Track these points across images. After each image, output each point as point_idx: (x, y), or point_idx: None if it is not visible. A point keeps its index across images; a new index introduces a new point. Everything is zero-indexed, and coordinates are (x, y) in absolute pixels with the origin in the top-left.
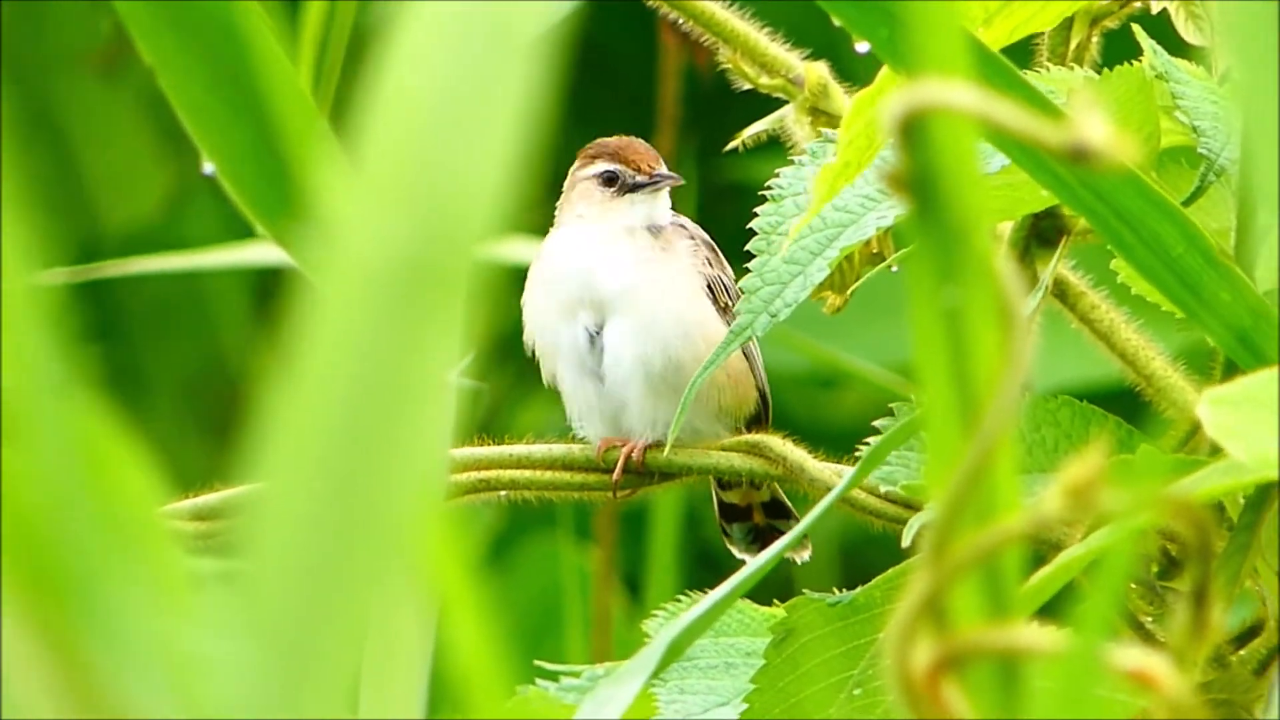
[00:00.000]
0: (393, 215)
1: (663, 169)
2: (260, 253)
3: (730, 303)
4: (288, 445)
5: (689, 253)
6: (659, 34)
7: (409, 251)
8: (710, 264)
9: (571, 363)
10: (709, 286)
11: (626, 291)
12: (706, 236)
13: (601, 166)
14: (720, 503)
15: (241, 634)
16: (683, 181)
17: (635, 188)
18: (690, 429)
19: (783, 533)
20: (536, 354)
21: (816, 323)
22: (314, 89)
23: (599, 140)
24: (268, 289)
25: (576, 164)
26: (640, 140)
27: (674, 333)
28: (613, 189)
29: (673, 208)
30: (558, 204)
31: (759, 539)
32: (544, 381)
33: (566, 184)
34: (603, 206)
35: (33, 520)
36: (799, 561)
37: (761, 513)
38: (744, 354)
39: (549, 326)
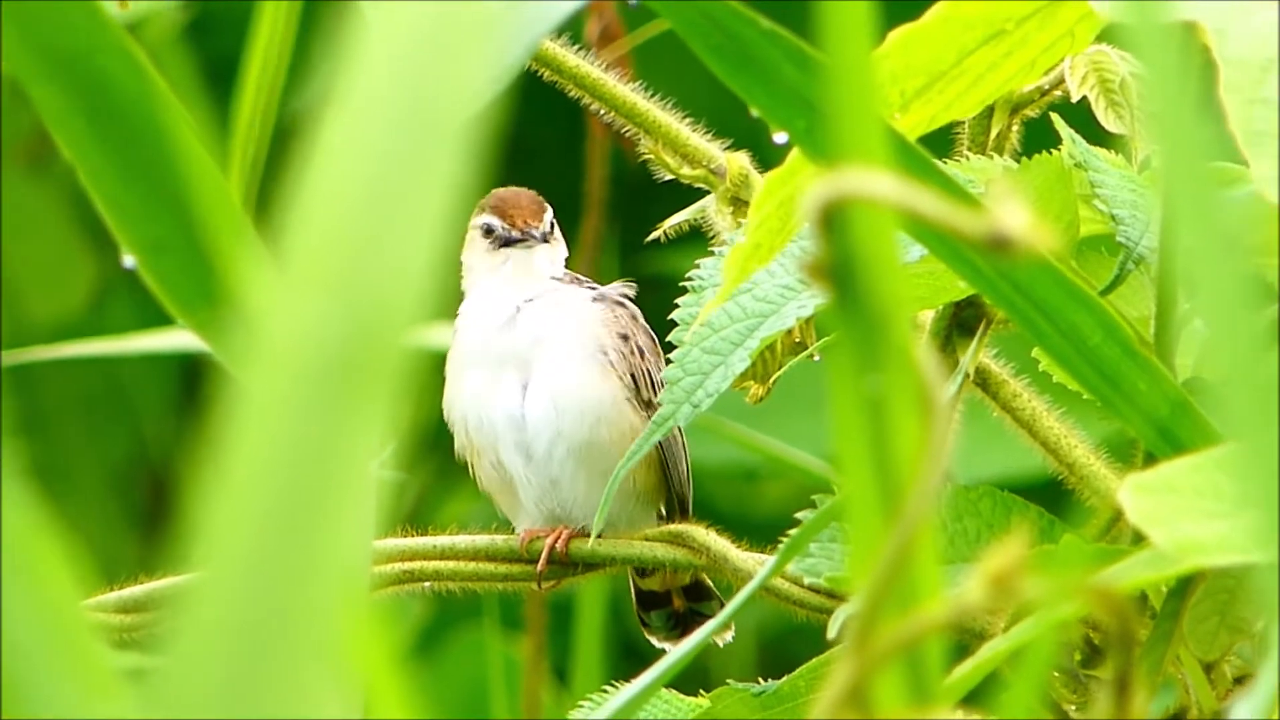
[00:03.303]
0: (317, 306)
1: (539, 225)
2: (184, 339)
3: (653, 397)
4: (211, 539)
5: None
6: (584, 123)
7: (333, 342)
8: (630, 348)
9: (508, 438)
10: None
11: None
12: (643, 326)
13: (484, 218)
14: (638, 591)
15: None
16: (543, 241)
17: (509, 242)
18: (612, 516)
19: (705, 616)
20: (470, 446)
21: (740, 413)
22: (242, 181)
23: (495, 190)
24: (191, 380)
25: (474, 212)
26: (529, 193)
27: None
28: (489, 240)
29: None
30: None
31: (679, 624)
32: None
33: (466, 234)
34: (483, 258)
35: None
36: (721, 644)
37: (682, 597)
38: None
39: (483, 399)
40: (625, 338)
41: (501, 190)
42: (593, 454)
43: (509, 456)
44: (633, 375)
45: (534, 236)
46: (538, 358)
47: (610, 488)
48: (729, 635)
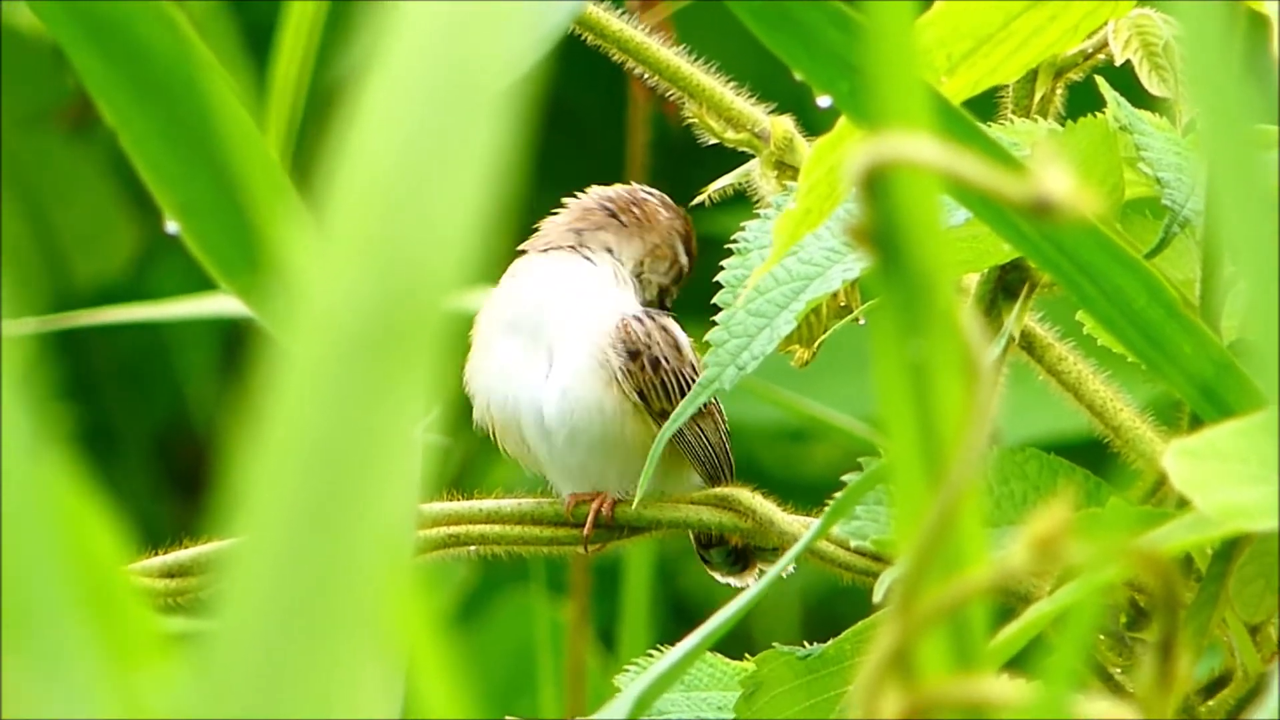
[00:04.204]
0: (359, 270)
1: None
2: (227, 304)
3: (667, 407)
4: (254, 503)
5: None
6: (627, 87)
7: (376, 307)
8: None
9: (530, 419)
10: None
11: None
12: (676, 337)
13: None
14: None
15: (208, 693)
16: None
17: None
18: (657, 485)
19: (764, 550)
20: (489, 419)
21: (785, 376)
22: (280, 146)
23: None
24: (234, 345)
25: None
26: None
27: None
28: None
29: None
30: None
31: (739, 559)
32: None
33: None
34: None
35: None
36: (784, 575)
37: (740, 533)
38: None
39: (511, 373)
40: (635, 355)
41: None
42: (609, 449)
43: (533, 437)
44: (640, 392)
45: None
46: (559, 345)
47: (651, 459)
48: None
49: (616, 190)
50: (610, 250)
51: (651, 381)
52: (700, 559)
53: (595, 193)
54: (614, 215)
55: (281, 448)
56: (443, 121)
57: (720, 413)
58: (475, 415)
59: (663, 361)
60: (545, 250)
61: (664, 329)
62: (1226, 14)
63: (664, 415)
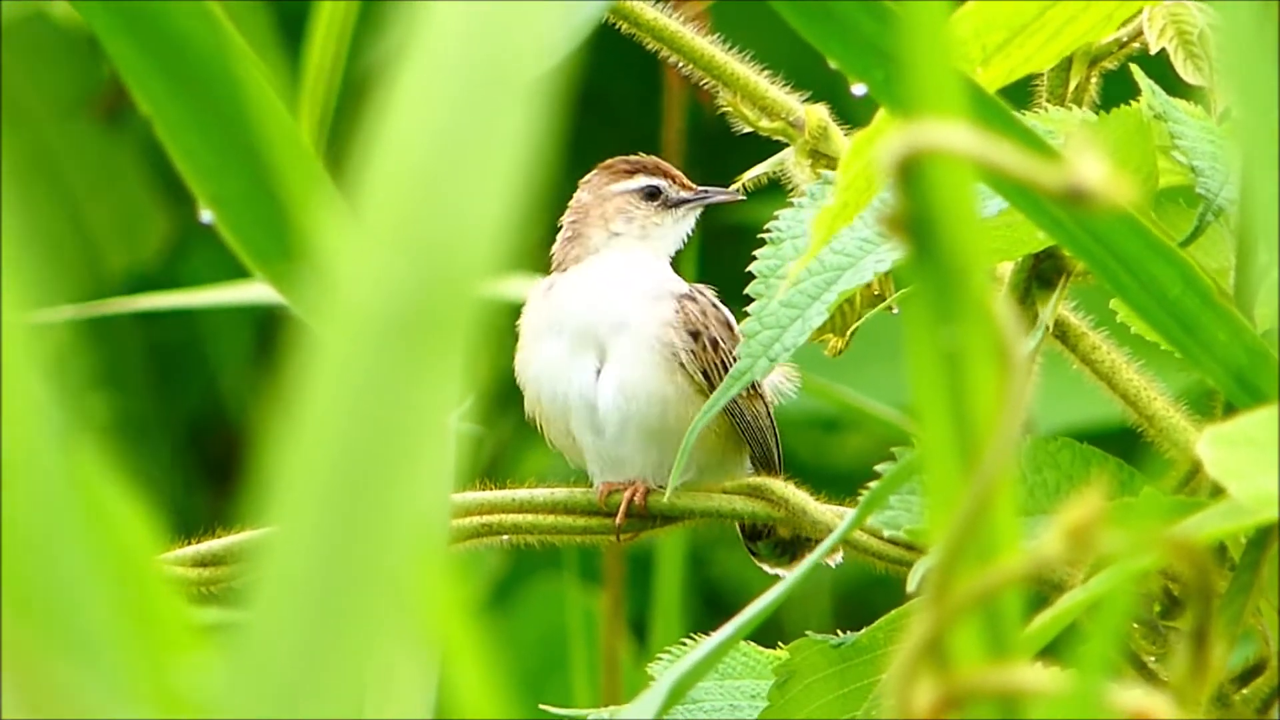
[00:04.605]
0: (392, 258)
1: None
2: (260, 292)
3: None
4: (289, 492)
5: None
6: (661, 76)
7: (409, 295)
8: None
9: (580, 413)
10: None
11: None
12: (725, 315)
13: (643, 181)
14: (741, 523)
15: (242, 680)
16: (737, 196)
17: (680, 203)
18: (691, 475)
19: (810, 540)
20: (539, 411)
21: (818, 366)
22: (314, 135)
23: (622, 157)
24: (268, 334)
25: (600, 180)
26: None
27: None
28: (655, 203)
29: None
30: (572, 223)
31: (786, 550)
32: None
33: (585, 201)
34: (644, 222)
35: (29, 567)
36: (834, 564)
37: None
38: (728, 413)
39: (559, 372)
40: (696, 335)
41: (635, 157)
42: (663, 438)
43: (579, 429)
44: (704, 371)
45: (713, 191)
46: (613, 345)
47: (684, 449)
48: (838, 556)
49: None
50: (635, 235)
51: (714, 361)
52: (748, 551)
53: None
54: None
55: (314, 436)
56: (476, 109)
57: (767, 399)
58: (526, 406)
59: (721, 342)
60: (580, 259)
61: (715, 306)
62: (1261, 3)
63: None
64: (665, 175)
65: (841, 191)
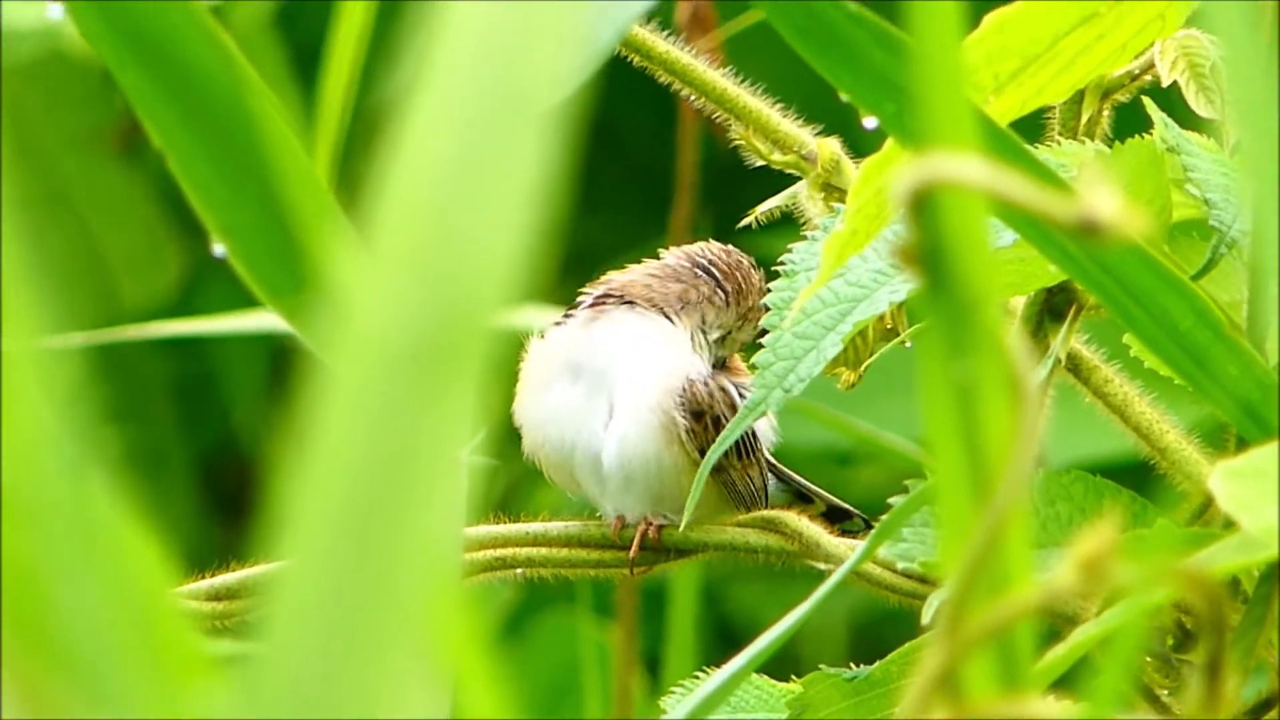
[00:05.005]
0: (405, 290)
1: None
2: (274, 321)
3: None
4: (301, 525)
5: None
6: (675, 108)
7: (421, 328)
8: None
9: (585, 462)
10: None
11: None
12: (732, 398)
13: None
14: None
15: (255, 714)
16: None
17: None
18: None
19: (849, 533)
20: (541, 456)
21: (831, 399)
22: (327, 168)
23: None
24: (281, 368)
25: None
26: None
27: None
28: (716, 302)
29: None
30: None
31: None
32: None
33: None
34: (699, 301)
35: (41, 599)
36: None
37: (823, 522)
38: (720, 483)
39: (570, 416)
40: (699, 415)
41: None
42: (663, 495)
43: (584, 478)
44: (702, 450)
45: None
46: (621, 398)
47: (698, 482)
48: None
49: (716, 254)
50: (704, 319)
51: (713, 440)
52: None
53: (697, 255)
54: (718, 285)
55: (326, 470)
56: (488, 141)
57: (763, 464)
58: (525, 448)
59: (723, 420)
60: (632, 304)
61: (723, 389)
62: (1271, 36)
63: (721, 470)
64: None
65: (851, 218)
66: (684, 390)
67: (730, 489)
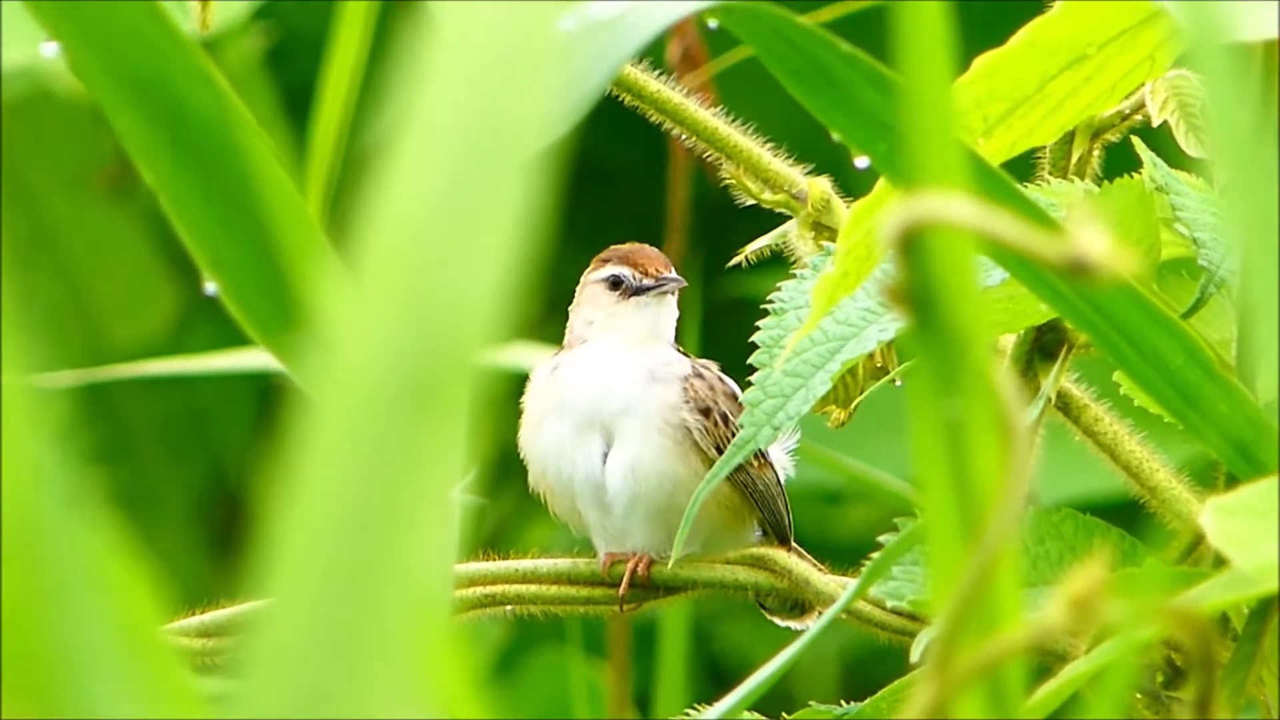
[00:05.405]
0: (392, 329)
1: (670, 273)
2: (263, 359)
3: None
4: (289, 562)
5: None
6: (666, 146)
7: (409, 365)
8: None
9: (585, 493)
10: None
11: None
12: (731, 388)
13: (609, 270)
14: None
15: None
16: (684, 283)
17: (640, 290)
18: (695, 548)
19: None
20: (544, 487)
21: (821, 438)
22: (317, 206)
23: (612, 246)
24: (270, 408)
25: (589, 269)
26: (652, 247)
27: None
28: (618, 292)
29: (678, 321)
30: (572, 309)
31: (796, 605)
32: (551, 512)
33: (578, 290)
34: (609, 310)
35: (32, 636)
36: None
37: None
38: (739, 483)
39: (564, 454)
40: (706, 412)
41: (619, 246)
42: (670, 515)
43: (585, 507)
44: (717, 447)
45: (669, 280)
46: (620, 428)
47: (687, 519)
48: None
49: (608, 259)
50: (645, 308)
51: (725, 436)
52: (758, 605)
53: (591, 276)
54: (623, 272)
55: (315, 507)
56: (474, 183)
57: (774, 466)
58: (530, 480)
59: (730, 416)
60: (584, 342)
61: (720, 380)
62: (1257, 79)
63: (740, 470)
64: (632, 264)
65: (841, 260)
66: (685, 391)
67: (749, 489)
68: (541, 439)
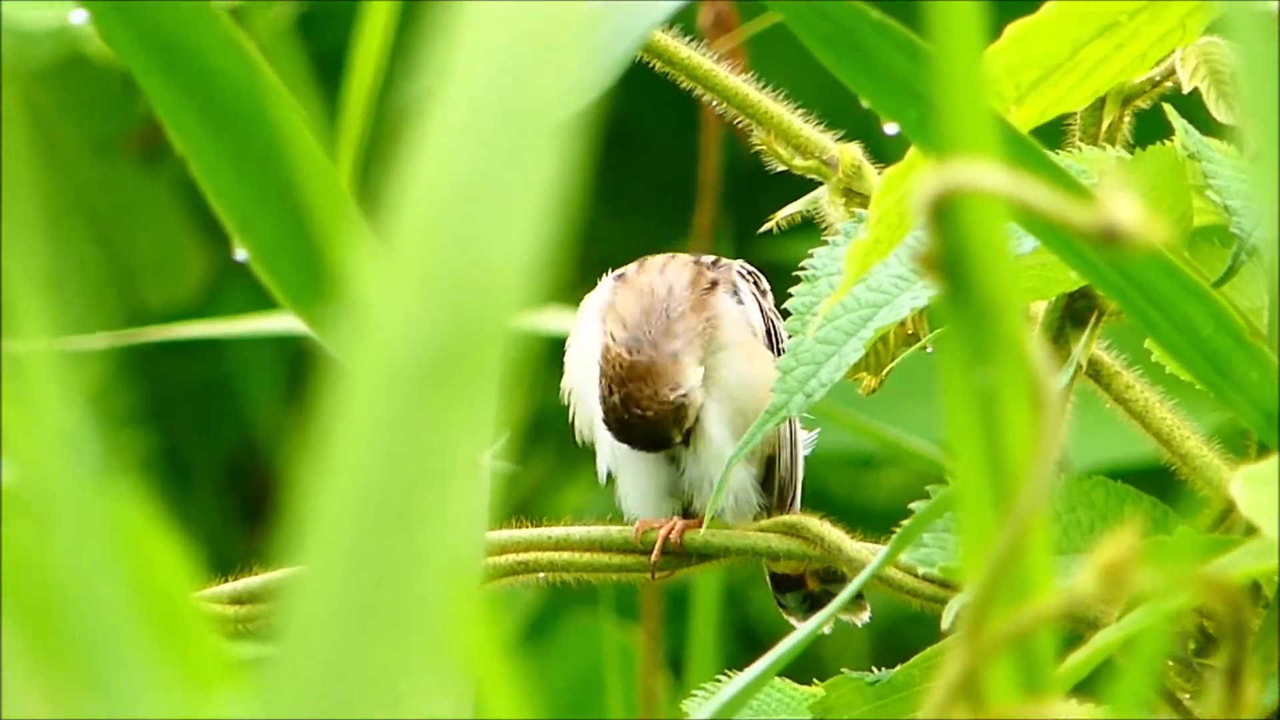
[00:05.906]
0: (423, 295)
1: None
2: (295, 323)
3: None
4: (320, 529)
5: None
6: (697, 113)
7: (440, 331)
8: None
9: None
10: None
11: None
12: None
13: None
14: (772, 575)
15: (275, 716)
16: None
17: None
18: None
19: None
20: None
21: (853, 405)
22: (348, 174)
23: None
24: (301, 373)
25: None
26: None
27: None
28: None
29: None
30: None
31: (815, 605)
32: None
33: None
34: None
35: (63, 602)
36: (859, 624)
37: (816, 580)
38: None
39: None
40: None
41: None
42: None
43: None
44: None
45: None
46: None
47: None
48: (865, 615)
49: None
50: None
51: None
52: (777, 604)
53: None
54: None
55: (346, 474)
56: (506, 148)
57: (792, 436)
58: (562, 386)
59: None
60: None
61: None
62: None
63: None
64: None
65: (873, 226)
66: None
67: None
68: (580, 335)
